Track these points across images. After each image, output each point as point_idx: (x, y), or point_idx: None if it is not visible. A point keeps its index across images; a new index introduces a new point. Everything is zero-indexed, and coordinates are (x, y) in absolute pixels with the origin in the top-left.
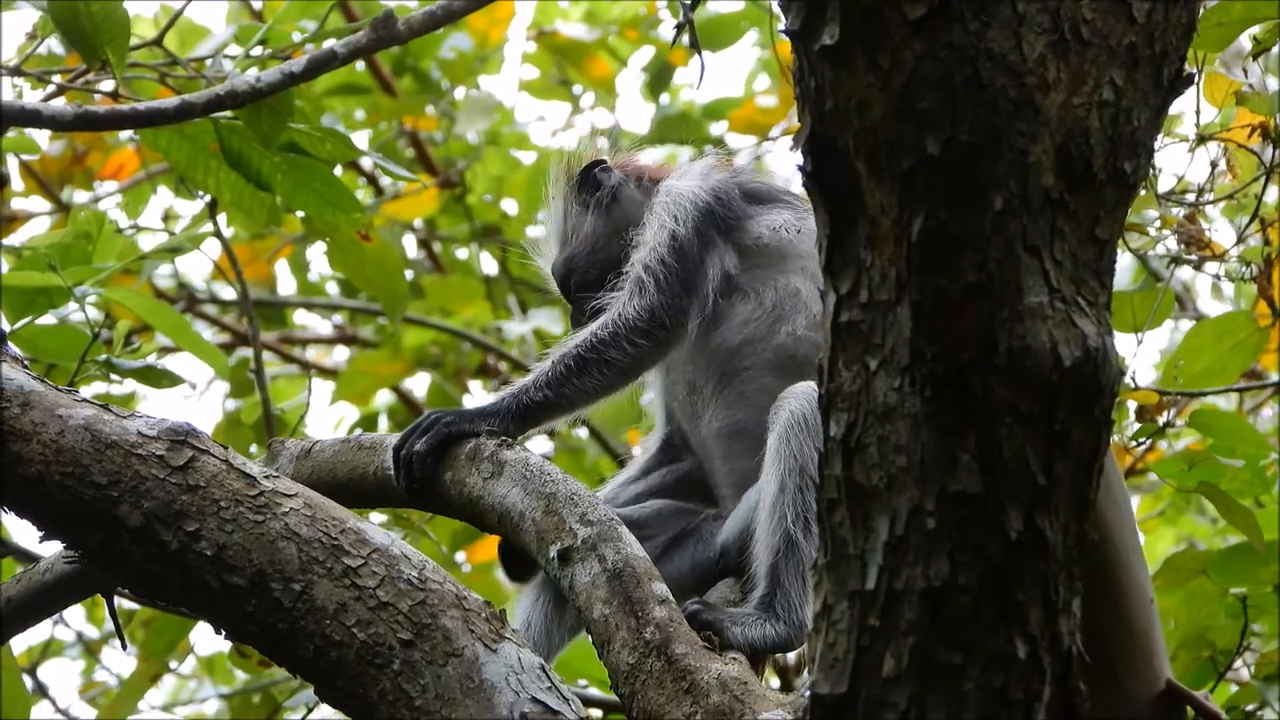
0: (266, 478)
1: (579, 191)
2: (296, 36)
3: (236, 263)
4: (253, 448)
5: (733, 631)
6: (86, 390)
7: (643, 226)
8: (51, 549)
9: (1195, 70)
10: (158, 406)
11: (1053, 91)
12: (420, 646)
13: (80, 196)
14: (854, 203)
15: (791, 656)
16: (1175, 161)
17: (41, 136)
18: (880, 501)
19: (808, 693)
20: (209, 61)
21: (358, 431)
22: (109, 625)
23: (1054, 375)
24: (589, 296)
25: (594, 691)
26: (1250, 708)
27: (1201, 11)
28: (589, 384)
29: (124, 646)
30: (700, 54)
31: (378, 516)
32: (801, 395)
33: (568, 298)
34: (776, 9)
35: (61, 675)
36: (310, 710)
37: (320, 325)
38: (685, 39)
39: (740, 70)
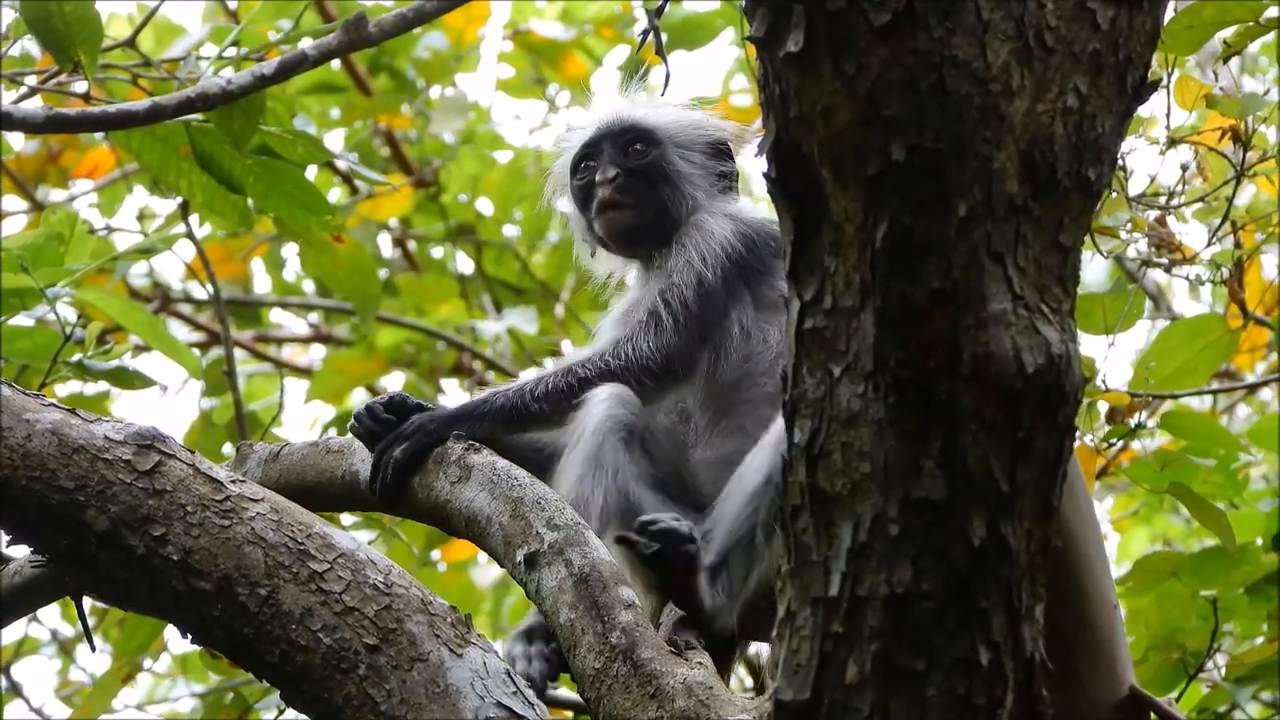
0: (233, 482)
1: (711, 153)
2: (273, 35)
3: (209, 264)
4: (226, 447)
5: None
6: (60, 389)
7: (672, 251)
8: (20, 552)
9: (1164, 74)
10: (132, 406)
11: (1017, 98)
12: (386, 651)
13: (55, 195)
14: (818, 209)
15: (765, 657)
16: (1147, 163)
17: (15, 136)
18: (844, 508)
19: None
20: (182, 62)
21: (331, 432)
22: None
23: (1018, 382)
24: (593, 176)
25: (564, 692)
26: (1221, 710)
27: (1172, 14)
28: (581, 408)
29: (93, 648)
30: (666, 61)
31: (349, 517)
32: None
33: (591, 151)
34: None
35: (36, 674)
36: (282, 712)
37: (295, 324)
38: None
39: (717, 68)
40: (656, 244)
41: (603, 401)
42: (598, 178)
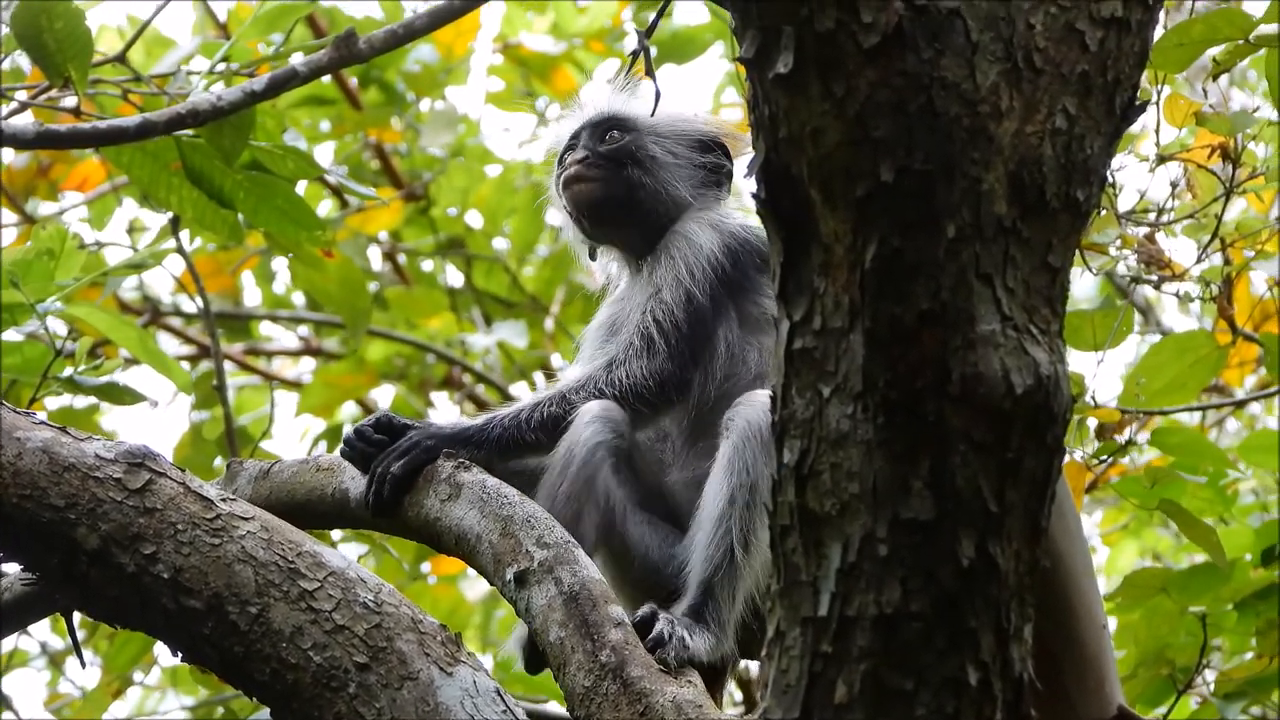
0: (223, 500)
1: (697, 148)
2: (263, 48)
3: (199, 279)
4: (217, 461)
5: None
6: (51, 402)
7: (659, 261)
8: (11, 569)
9: (1154, 92)
10: (122, 420)
11: (1006, 119)
12: (376, 670)
13: (45, 208)
14: (808, 229)
15: (755, 672)
16: (1136, 179)
17: (5, 150)
18: (833, 528)
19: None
20: (172, 77)
21: (321, 445)
22: None
23: (1006, 403)
24: (584, 158)
25: (554, 707)
26: None
27: (1162, 31)
28: None
29: (82, 665)
30: (655, 81)
31: (339, 531)
32: (760, 406)
33: (572, 143)
34: None
35: (26, 686)
36: None
37: (286, 337)
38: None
39: (707, 81)
40: (635, 231)
41: (589, 424)
42: (567, 160)
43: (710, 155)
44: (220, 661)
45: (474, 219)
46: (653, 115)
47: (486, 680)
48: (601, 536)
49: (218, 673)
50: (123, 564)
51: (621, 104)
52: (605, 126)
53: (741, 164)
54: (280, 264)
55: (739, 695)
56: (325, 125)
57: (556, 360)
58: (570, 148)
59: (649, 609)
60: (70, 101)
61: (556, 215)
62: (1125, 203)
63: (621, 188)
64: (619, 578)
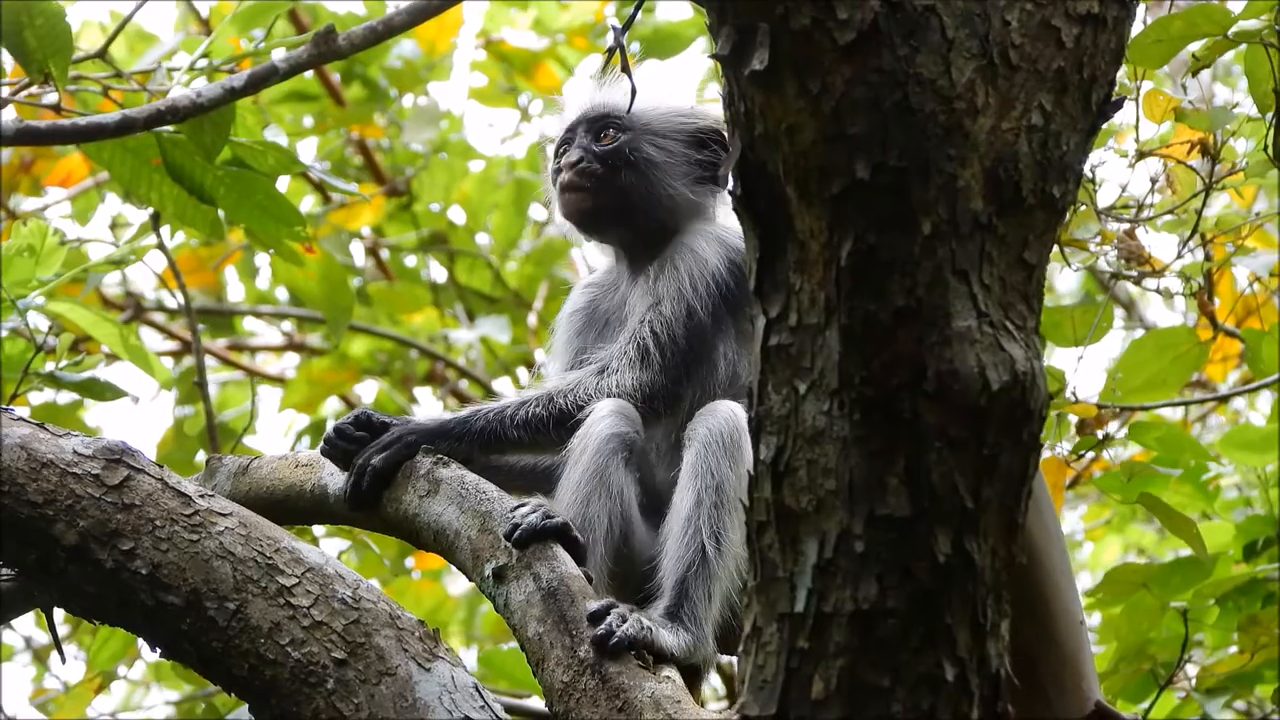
0: (202, 496)
1: (693, 143)
2: (244, 44)
3: (180, 275)
4: (199, 455)
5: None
6: (33, 396)
7: (663, 271)
8: None
9: (1134, 88)
10: (104, 415)
11: (981, 116)
12: (354, 665)
13: (28, 204)
14: (784, 226)
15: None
16: (1117, 174)
17: None
18: (809, 524)
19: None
20: (154, 74)
21: (304, 441)
22: None
23: (982, 399)
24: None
25: (534, 702)
26: None
27: (1142, 27)
28: (561, 438)
29: (63, 660)
30: (632, 78)
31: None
32: (721, 415)
33: (568, 136)
34: None
35: (10, 681)
36: None
37: (269, 332)
38: (632, 55)
39: (691, 77)
40: (629, 233)
41: (605, 418)
42: (563, 161)
43: (707, 150)
44: (199, 657)
45: (457, 214)
46: (632, 109)
47: (465, 675)
48: (618, 530)
49: (196, 669)
50: (101, 560)
51: (619, 97)
52: (601, 123)
53: None
54: (263, 260)
55: (723, 689)
56: (308, 121)
57: (539, 355)
58: (566, 141)
59: (606, 602)
60: (51, 98)
61: (552, 210)
62: (1105, 198)
63: (615, 196)
64: (624, 572)
